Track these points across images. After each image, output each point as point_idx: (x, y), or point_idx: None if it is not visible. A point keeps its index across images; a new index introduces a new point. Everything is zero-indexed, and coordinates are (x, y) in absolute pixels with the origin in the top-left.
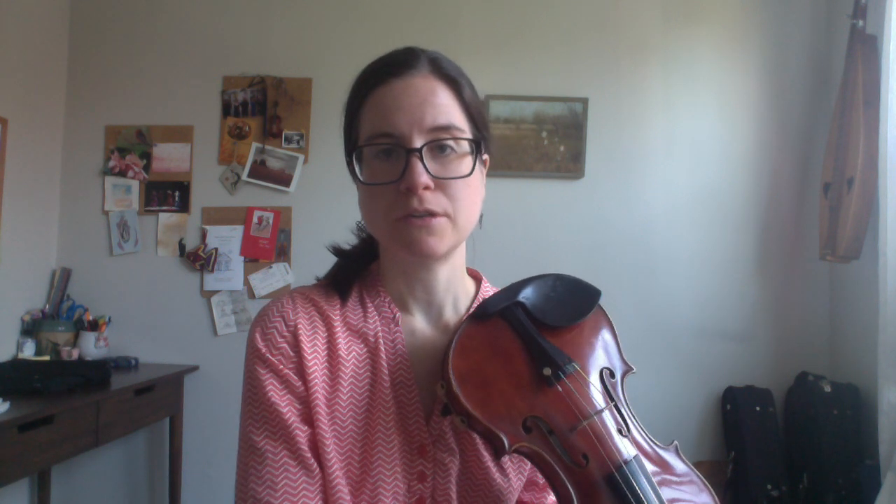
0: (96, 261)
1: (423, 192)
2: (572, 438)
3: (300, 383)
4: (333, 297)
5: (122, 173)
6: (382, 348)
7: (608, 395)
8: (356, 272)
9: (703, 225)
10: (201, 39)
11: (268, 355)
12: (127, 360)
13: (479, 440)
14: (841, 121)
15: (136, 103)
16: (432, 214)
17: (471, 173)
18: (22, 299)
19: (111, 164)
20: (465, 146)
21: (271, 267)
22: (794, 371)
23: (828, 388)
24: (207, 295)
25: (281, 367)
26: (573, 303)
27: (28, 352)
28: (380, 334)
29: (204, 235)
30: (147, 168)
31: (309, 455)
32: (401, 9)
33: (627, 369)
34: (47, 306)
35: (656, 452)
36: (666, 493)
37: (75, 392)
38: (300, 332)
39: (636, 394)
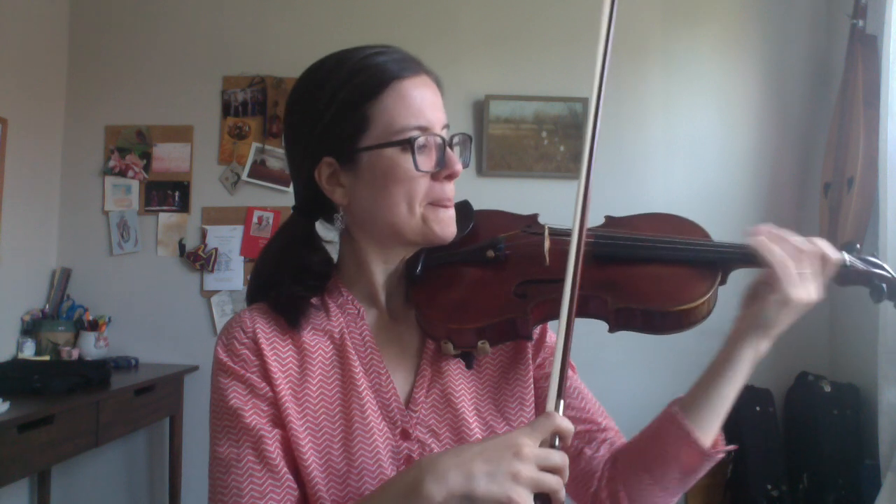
0: (96, 261)
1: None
2: (551, 267)
3: (265, 385)
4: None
5: (122, 173)
6: (349, 343)
7: (536, 231)
8: (306, 305)
9: (702, 225)
10: (201, 39)
11: (229, 363)
12: (127, 360)
13: (467, 413)
14: (841, 121)
15: (136, 103)
16: (451, 202)
17: (467, 165)
18: (22, 299)
19: (111, 164)
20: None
21: None
22: (794, 371)
23: (828, 388)
24: (207, 295)
25: (243, 372)
26: (458, 220)
27: (28, 352)
28: (345, 330)
29: (204, 235)
30: (147, 168)
31: (275, 457)
32: (400, 9)
33: (533, 215)
34: (47, 306)
35: (603, 226)
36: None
37: (75, 392)
38: (259, 336)
39: (635, 393)
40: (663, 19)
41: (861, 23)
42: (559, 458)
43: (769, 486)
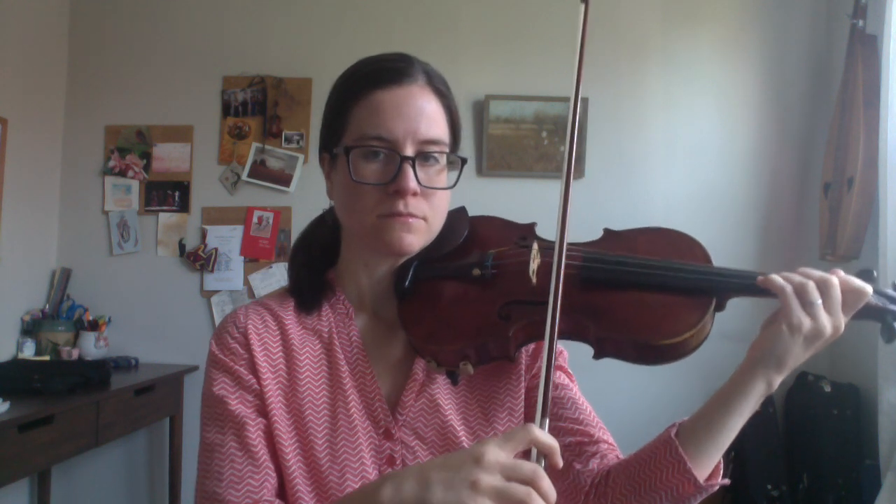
0: (96, 261)
1: (409, 197)
2: (537, 288)
3: (251, 377)
4: (288, 301)
5: (122, 173)
6: (337, 342)
7: (529, 245)
8: (318, 282)
9: (703, 225)
10: (201, 39)
11: (220, 356)
12: (127, 360)
13: (454, 421)
14: (841, 121)
15: (136, 103)
16: (412, 216)
17: (453, 186)
18: (22, 299)
19: (111, 164)
20: (445, 160)
21: (271, 267)
22: (794, 371)
23: (828, 388)
24: (207, 295)
25: (232, 364)
26: (452, 228)
27: (28, 352)
28: (333, 330)
29: (204, 235)
30: (147, 168)
31: (256, 444)
32: (401, 9)
33: (530, 224)
34: (47, 306)
35: (598, 241)
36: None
37: (75, 392)
38: (250, 332)
39: (635, 394)
40: (663, 19)
41: (861, 23)
42: (529, 468)
43: (769, 486)
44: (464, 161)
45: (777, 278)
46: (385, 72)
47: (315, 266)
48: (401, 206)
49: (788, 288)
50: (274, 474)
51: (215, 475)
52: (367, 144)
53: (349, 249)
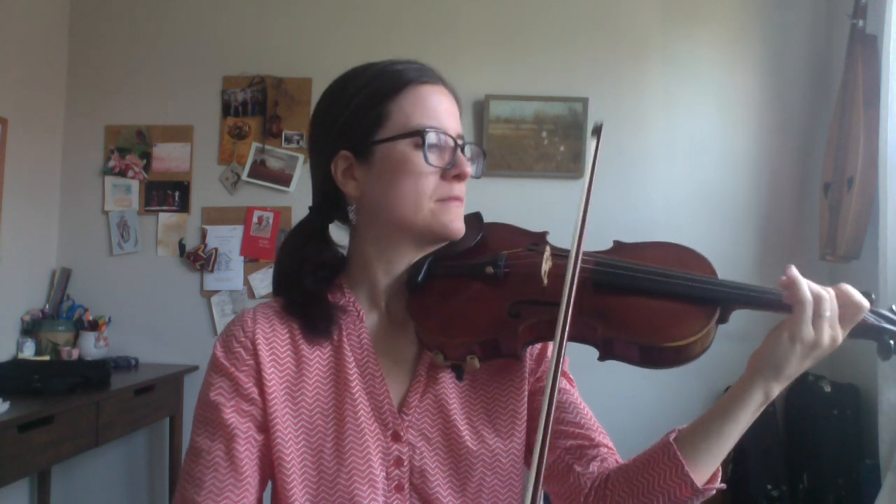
0: (96, 261)
1: (463, 182)
2: (548, 289)
3: (251, 386)
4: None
5: (122, 173)
6: (346, 344)
7: (542, 249)
8: (327, 309)
9: (702, 225)
10: (201, 39)
11: (222, 360)
12: (127, 360)
13: (458, 421)
14: (841, 121)
15: (136, 103)
16: (461, 200)
17: (479, 176)
18: (22, 299)
19: (111, 163)
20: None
21: (271, 267)
22: None
23: (828, 388)
24: (207, 295)
25: (233, 370)
26: (467, 230)
27: (28, 352)
28: (343, 332)
29: (204, 235)
30: (147, 168)
31: (242, 458)
32: (401, 9)
33: (542, 232)
34: (47, 306)
35: (608, 252)
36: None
37: (75, 392)
38: (258, 336)
39: (635, 394)
40: (663, 19)
41: (861, 23)
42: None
43: (769, 486)
44: (484, 154)
45: (804, 286)
46: (416, 70)
47: (319, 293)
48: (457, 190)
49: (809, 298)
50: (254, 492)
51: (196, 481)
52: (436, 128)
53: (369, 248)
